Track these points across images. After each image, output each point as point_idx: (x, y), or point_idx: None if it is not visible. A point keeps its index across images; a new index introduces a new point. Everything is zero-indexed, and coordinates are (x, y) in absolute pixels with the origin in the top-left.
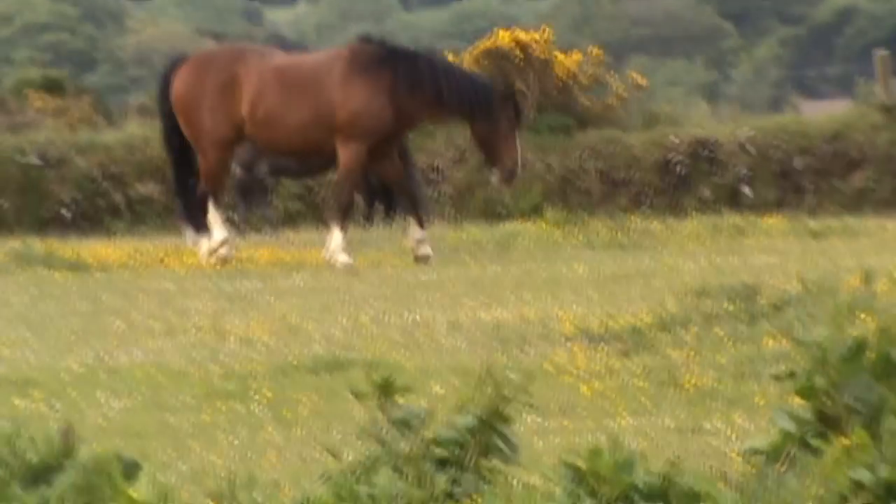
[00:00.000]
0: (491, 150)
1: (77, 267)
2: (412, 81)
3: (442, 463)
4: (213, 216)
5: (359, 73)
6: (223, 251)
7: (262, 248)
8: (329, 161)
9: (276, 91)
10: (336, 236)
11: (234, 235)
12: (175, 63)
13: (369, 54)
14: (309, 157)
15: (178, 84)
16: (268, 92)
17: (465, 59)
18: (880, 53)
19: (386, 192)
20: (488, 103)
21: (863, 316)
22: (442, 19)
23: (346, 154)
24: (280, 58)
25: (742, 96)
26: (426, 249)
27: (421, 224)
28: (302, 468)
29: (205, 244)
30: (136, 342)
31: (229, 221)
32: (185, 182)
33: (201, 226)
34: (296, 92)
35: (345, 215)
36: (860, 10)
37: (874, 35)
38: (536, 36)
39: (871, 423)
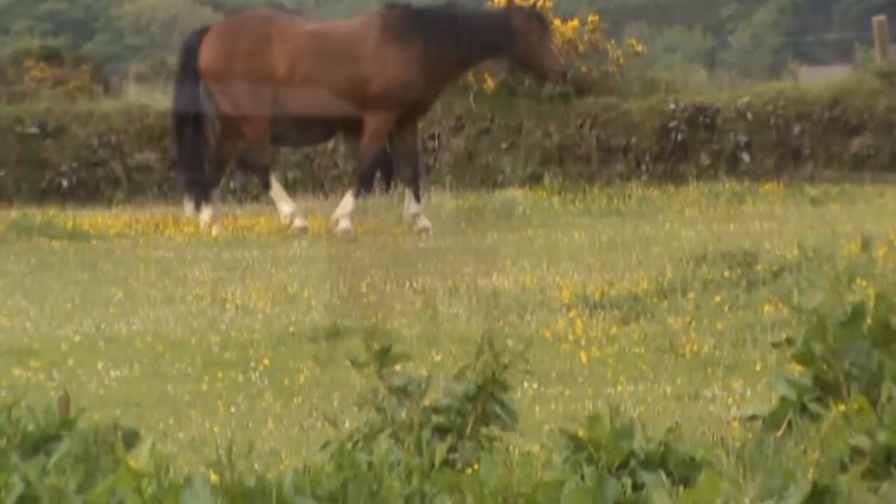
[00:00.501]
0: (533, 68)
1: (75, 236)
2: (438, 45)
3: (441, 431)
4: (277, 189)
5: (391, 42)
6: (298, 222)
7: (261, 217)
8: (329, 131)
9: (312, 57)
10: (347, 201)
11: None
12: (199, 33)
13: (399, 21)
14: (332, 126)
15: (207, 52)
16: (305, 57)
17: None
18: (878, 19)
19: (385, 162)
20: (509, 33)
21: (861, 282)
22: None
23: (374, 122)
24: (312, 24)
25: (740, 63)
26: (424, 222)
27: (417, 197)
28: (301, 437)
29: (206, 214)
30: (134, 311)
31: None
32: (193, 153)
33: (203, 197)
34: (331, 59)
35: (363, 183)
36: None
37: (872, 1)
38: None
39: (870, 389)
